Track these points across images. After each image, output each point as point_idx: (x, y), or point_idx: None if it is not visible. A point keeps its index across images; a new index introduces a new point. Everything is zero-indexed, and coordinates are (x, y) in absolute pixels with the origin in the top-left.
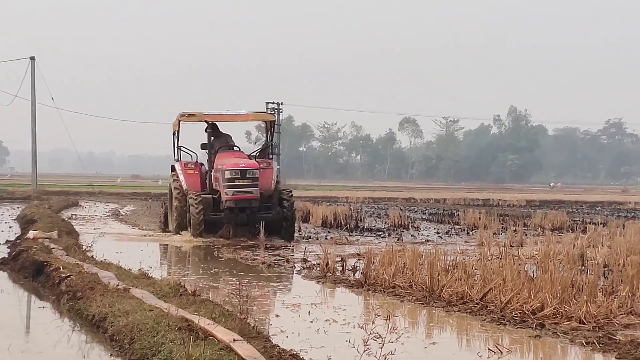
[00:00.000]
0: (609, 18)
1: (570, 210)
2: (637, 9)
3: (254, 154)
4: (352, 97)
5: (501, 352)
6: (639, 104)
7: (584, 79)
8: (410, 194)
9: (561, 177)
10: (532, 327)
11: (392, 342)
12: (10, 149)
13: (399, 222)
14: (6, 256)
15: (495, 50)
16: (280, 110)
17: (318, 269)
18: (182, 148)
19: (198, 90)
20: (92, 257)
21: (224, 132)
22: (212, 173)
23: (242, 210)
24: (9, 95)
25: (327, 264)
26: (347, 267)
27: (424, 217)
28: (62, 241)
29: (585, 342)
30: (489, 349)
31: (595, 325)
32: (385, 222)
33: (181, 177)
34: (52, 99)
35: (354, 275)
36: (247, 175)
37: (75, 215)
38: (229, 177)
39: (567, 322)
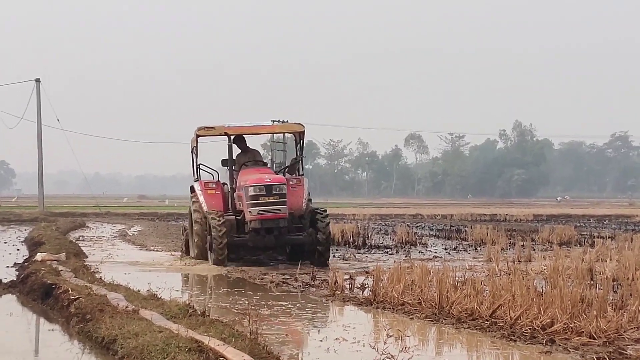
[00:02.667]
0: (614, 31)
1: (578, 224)
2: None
3: (282, 169)
4: (357, 114)
5: None
6: None
7: (589, 92)
8: (417, 210)
9: (568, 191)
10: (542, 343)
11: None
12: (17, 170)
13: (407, 239)
14: (14, 279)
15: (499, 65)
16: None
17: (326, 286)
18: (201, 166)
19: (205, 110)
20: (100, 278)
21: (251, 148)
22: (235, 192)
23: (269, 232)
24: (14, 118)
25: (336, 281)
26: (355, 285)
27: (431, 233)
28: (70, 263)
29: (596, 358)
30: None
31: (605, 340)
32: (393, 239)
33: (201, 198)
34: (58, 120)
35: (362, 292)
36: (274, 192)
37: (83, 236)
38: (253, 194)
39: (578, 338)
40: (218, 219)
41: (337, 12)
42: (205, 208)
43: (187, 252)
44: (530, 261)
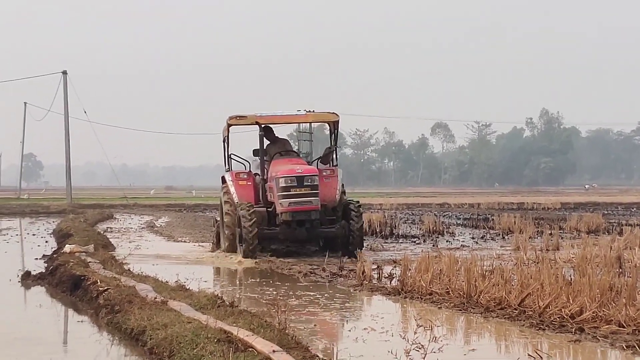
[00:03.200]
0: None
1: (606, 212)
2: None
3: (315, 160)
4: (383, 103)
5: (541, 358)
6: None
7: (616, 79)
8: (444, 199)
9: (595, 178)
10: (571, 332)
11: (434, 352)
12: (44, 163)
13: (434, 228)
14: (43, 271)
15: (525, 52)
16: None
17: (354, 276)
18: (232, 156)
19: (234, 101)
20: (129, 270)
21: (280, 137)
22: (266, 183)
23: (301, 224)
24: (42, 110)
25: (364, 271)
26: (383, 275)
27: (458, 222)
28: (99, 255)
29: (626, 346)
30: (528, 355)
31: (635, 328)
32: (420, 228)
33: (232, 189)
34: (85, 112)
35: (390, 282)
36: (305, 183)
37: (111, 228)
38: (284, 185)
39: (607, 326)
40: (248, 209)
41: (363, 1)
42: (236, 199)
43: (218, 245)
44: (558, 250)
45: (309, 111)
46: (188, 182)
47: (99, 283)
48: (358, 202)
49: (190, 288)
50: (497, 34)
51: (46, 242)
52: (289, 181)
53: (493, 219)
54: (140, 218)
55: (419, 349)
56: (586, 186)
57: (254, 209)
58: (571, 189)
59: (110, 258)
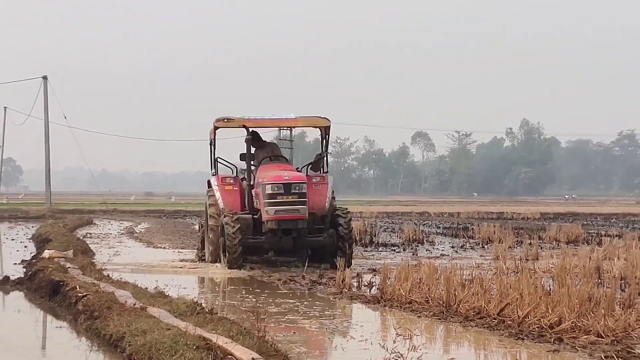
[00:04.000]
0: (623, 30)
1: (585, 222)
2: None
3: (305, 166)
4: (363, 112)
5: None
6: None
7: (596, 90)
8: (424, 208)
9: (575, 189)
10: (550, 342)
11: None
12: (24, 167)
13: (414, 237)
14: (22, 276)
15: (506, 63)
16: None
17: (334, 285)
18: (219, 160)
19: (216, 108)
20: (108, 276)
21: (268, 142)
22: (252, 189)
23: (287, 233)
24: (22, 115)
25: (343, 279)
26: (363, 283)
27: (438, 231)
28: (78, 260)
29: (604, 356)
30: None
31: (613, 339)
32: (400, 237)
33: (218, 194)
34: (65, 117)
35: (370, 291)
36: (293, 190)
37: (90, 233)
38: (270, 192)
39: (586, 336)
40: (232, 216)
41: (341, 6)
42: (221, 205)
43: (202, 250)
44: (537, 259)
45: (300, 116)
46: (168, 189)
47: (78, 289)
48: (347, 209)
49: (170, 295)
50: (477, 44)
51: (25, 247)
52: (276, 188)
53: (473, 229)
54: (119, 224)
55: (398, 357)
56: (566, 196)
57: (239, 215)
58: (551, 199)
59: (89, 264)
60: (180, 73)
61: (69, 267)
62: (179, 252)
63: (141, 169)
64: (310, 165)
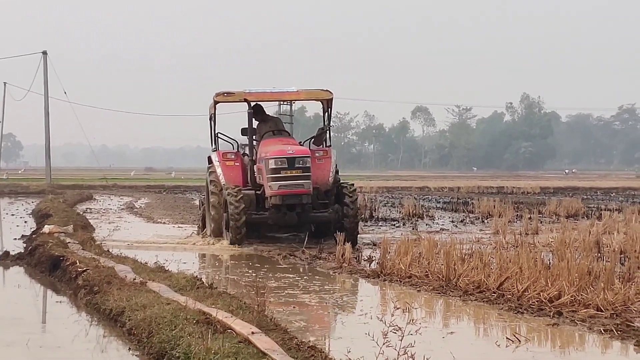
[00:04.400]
0: (620, 7)
1: (585, 196)
2: None
3: (307, 140)
4: (363, 86)
5: (519, 341)
6: None
7: (596, 64)
8: (424, 182)
9: (575, 163)
10: (549, 316)
11: (411, 334)
12: (24, 143)
13: (414, 212)
14: (22, 251)
15: (507, 36)
16: (293, 101)
17: (333, 259)
18: (219, 135)
19: (212, 83)
20: (108, 251)
21: (271, 116)
22: (255, 164)
23: (291, 208)
24: (22, 90)
25: (343, 254)
26: (362, 258)
27: (438, 205)
28: (78, 235)
29: (604, 330)
30: (506, 338)
31: (613, 312)
32: (400, 212)
33: (219, 170)
34: (65, 93)
35: (369, 265)
36: (296, 165)
37: (90, 208)
38: (274, 167)
39: (585, 310)
40: (235, 194)
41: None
42: (222, 181)
43: (204, 227)
44: (537, 234)
45: (302, 89)
46: (168, 164)
47: (77, 264)
48: (352, 184)
49: (170, 269)
50: (477, 18)
51: (25, 222)
52: (279, 162)
53: (473, 203)
54: (119, 199)
55: (397, 331)
56: (566, 171)
57: (242, 192)
58: (551, 173)
59: (89, 239)
60: (181, 49)
61: (69, 242)
62: (179, 227)
63: (141, 144)
64: (312, 140)
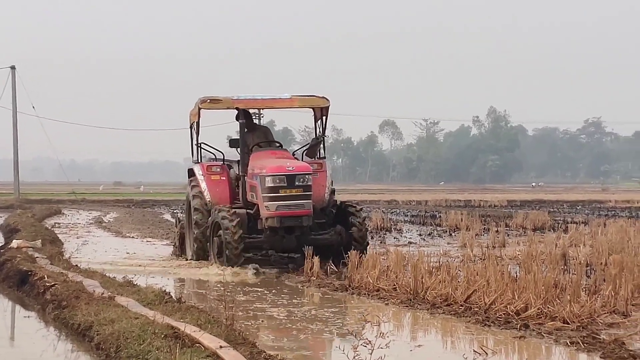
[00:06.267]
0: (587, 17)
1: (552, 209)
2: (614, 8)
3: (299, 151)
4: (332, 100)
5: (486, 354)
6: (618, 103)
7: (563, 78)
8: (392, 196)
9: (541, 176)
10: (516, 328)
11: (381, 347)
12: None
13: (382, 225)
14: None
15: (473, 50)
16: (262, 115)
17: (302, 273)
18: (203, 146)
19: (183, 97)
20: (76, 265)
21: (259, 125)
22: (244, 179)
23: (290, 231)
24: None
25: (311, 267)
26: (331, 271)
27: (406, 219)
28: (46, 250)
29: (570, 342)
30: (474, 351)
31: (579, 325)
32: (368, 225)
33: (203, 185)
34: (33, 107)
35: (337, 278)
36: (297, 183)
37: (59, 223)
38: (271, 185)
39: (551, 322)
40: (230, 214)
41: None
42: (208, 197)
43: (182, 249)
44: (504, 247)
45: (295, 95)
46: (137, 178)
47: (46, 278)
48: (357, 205)
49: (138, 284)
50: (443, 31)
51: None
52: (277, 180)
53: (440, 216)
54: (88, 213)
55: (366, 344)
56: (533, 184)
57: (237, 215)
58: (518, 186)
59: (57, 253)
60: (149, 63)
61: (37, 257)
62: (147, 241)
63: (110, 158)
64: (305, 151)
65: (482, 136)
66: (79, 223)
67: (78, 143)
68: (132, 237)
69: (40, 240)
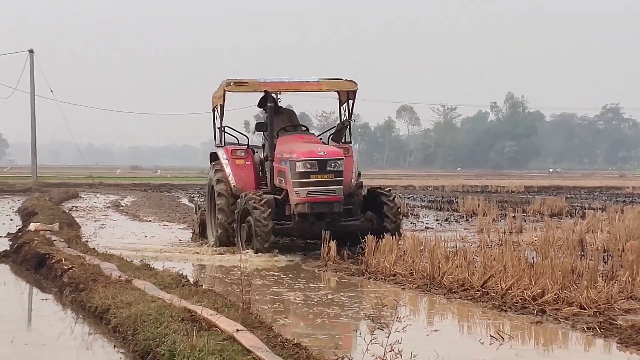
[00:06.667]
0: (606, 4)
1: (569, 195)
2: None
3: (324, 136)
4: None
5: (502, 339)
6: (636, 89)
7: (580, 64)
8: (409, 181)
9: (559, 162)
10: (533, 313)
11: (397, 331)
12: (10, 141)
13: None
14: (8, 249)
15: (491, 36)
16: (279, 100)
17: (319, 257)
18: (226, 129)
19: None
20: (93, 248)
21: (284, 108)
22: (272, 164)
23: (320, 218)
24: (8, 88)
25: (328, 252)
26: (347, 255)
27: (423, 204)
28: (64, 233)
29: (587, 328)
30: (490, 336)
31: (596, 310)
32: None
33: (227, 170)
34: (52, 91)
35: (354, 263)
36: (329, 168)
37: (76, 206)
38: (302, 170)
39: (568, 308)
40: (262, 208)
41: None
42: (232, 182)
43: (202, 235)
44: (521, 232)
45: (323, 79)
46: (154, 162)
47: (63, 261)
48: (389, 190)
49: (155, 267)
50: (462, 18)
51: (11, 220)
52: (309, 165)
53: (457, 202)
54: (105, 197)
55: (383, 328)
56: (550, 170)
57: (266, 197)
58: (535, 172)
59: (75, 236)
60: (167, 49)
61: (54, 240)
62: (164, 225)
63: (127, 142)
64: (331, 135)
65: (499, 122)
66: (97, 207)
67: (96, 127)
68: (150, 220)
69: (57, 223)
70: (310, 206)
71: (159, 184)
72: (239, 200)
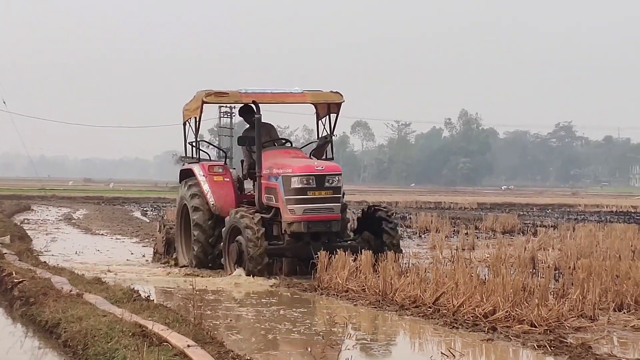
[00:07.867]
0: (558, 25)
1: (521, 213)
2: (584, 16)
3: (304, 149)
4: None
5: (454, 356)
6: (588, 108)
7: (534, 82)
8: (363, 197)
9: (512, 180)
10: (484, 331)
11: (348, 348)
12: None
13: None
14: None
15: (446, 52)
16: (233, 115)
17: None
18: (203, 144)
19: (155, 94)
20: (44, 262)
21: (265, 122)
22: (260, 180)
23: (316, 238)
24: None
25: (281, 268)
26: (300, 271)
27: None
28: (15, 246)
29: (537, 346)
30: (441, 353)
31: (546, 328)
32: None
33: (205, 187)
34: (4, 102)
35: (307, 279)
36: (327, 184)
37: (28, 219)
38: (299, 186)
39: (519, 326)
40: (251, 216)
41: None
42: (211, 200)
43: (167, 253)
44: (473, 249)
45: (307, 90)
46: (107, 175)
47: (14, 274)
48: (390, 208)
49: (106, 281)
50: (416, 33)
51: None
52: (305, 181)
53: (410, 218)
54: (58, 210)
55: (334, 346)
56: (503, 187)
57: (258, 215)
58: (488, 189)
59: (26, 250)
60: (122, 62)
61: (5, 253)
62: (116, 238)
63: (80, 155)
64: (313, 150)
65: (453, 138)
66: (48, 219)
67: (49, 139)
68: (102, 234)
69: (8, 236)
70: (306, 225)
71: (112, 197)
72: (227, 218)
